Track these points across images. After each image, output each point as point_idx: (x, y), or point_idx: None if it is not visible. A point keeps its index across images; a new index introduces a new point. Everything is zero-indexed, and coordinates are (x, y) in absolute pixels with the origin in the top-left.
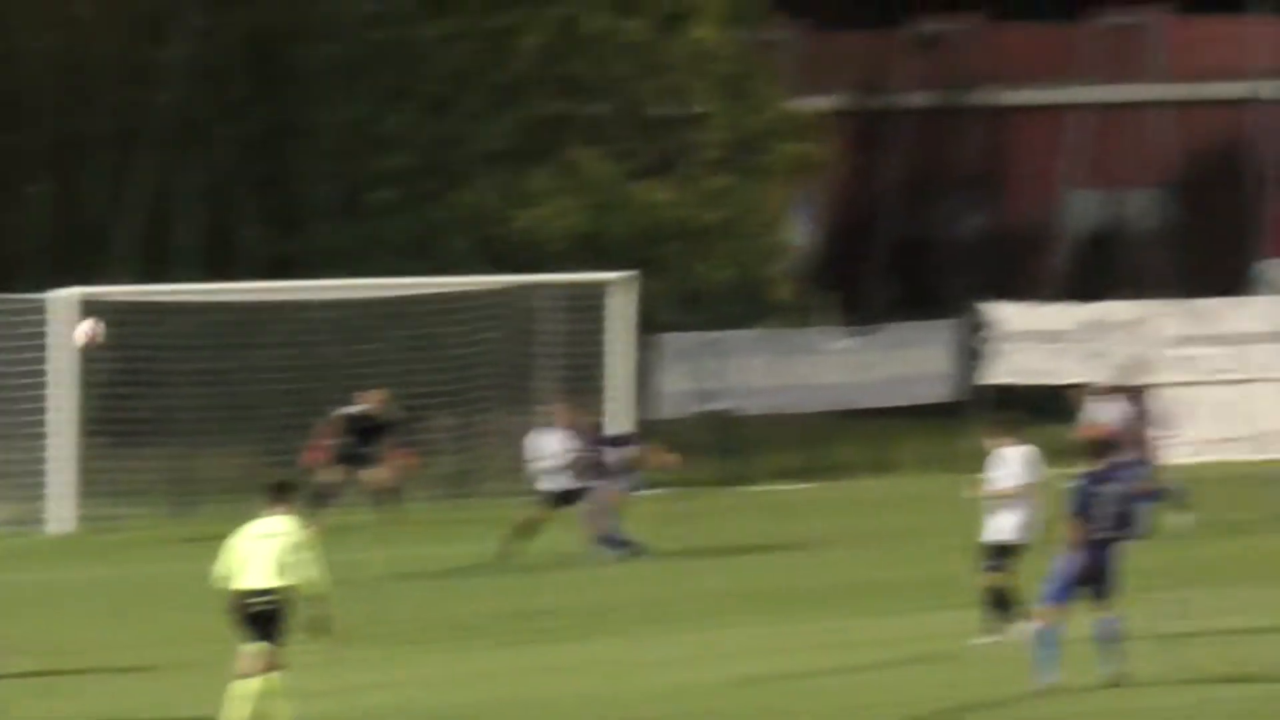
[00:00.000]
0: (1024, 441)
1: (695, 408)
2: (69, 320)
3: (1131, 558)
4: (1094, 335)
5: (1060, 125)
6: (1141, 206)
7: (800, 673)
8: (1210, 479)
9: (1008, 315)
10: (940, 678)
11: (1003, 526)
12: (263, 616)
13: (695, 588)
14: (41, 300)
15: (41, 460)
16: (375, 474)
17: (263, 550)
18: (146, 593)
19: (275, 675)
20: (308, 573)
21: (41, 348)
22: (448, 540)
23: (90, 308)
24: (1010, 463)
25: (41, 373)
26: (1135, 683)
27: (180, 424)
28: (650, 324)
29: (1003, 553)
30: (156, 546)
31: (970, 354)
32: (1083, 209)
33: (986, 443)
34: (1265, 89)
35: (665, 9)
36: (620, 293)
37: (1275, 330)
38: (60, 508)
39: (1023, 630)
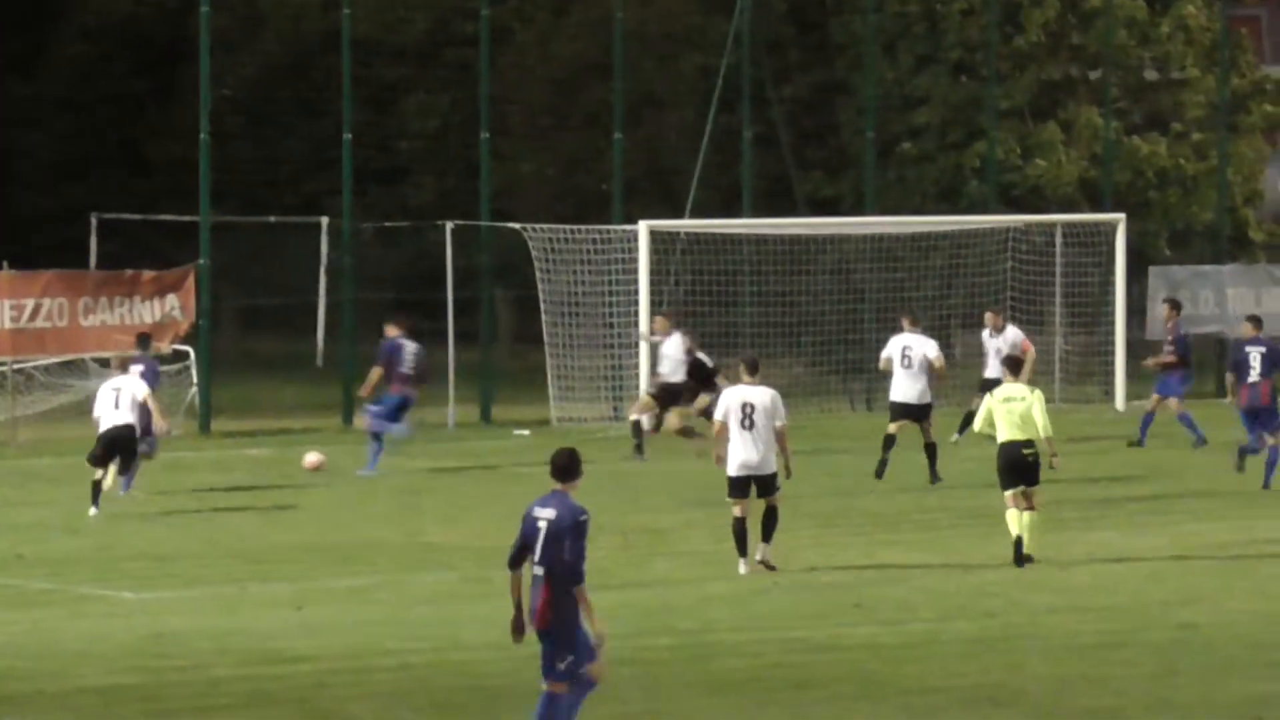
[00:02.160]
0: None
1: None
2: (647, 248)
3: None
4: None
5: None
6: None
7: None
8: None
9: None
10: None
11: None
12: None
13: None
14: (626, 231)
15: (628, 368)
16: None
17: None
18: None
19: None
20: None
21: (627, 271)
22: None
23: (664, 239)
24: None
25: (626, 293)
26: None
27: (743, 338)
28: (1143, 259)
29: None
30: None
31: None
32: None
33: None
34: None
35: None
36: (1117, 231)
37: None
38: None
39: None
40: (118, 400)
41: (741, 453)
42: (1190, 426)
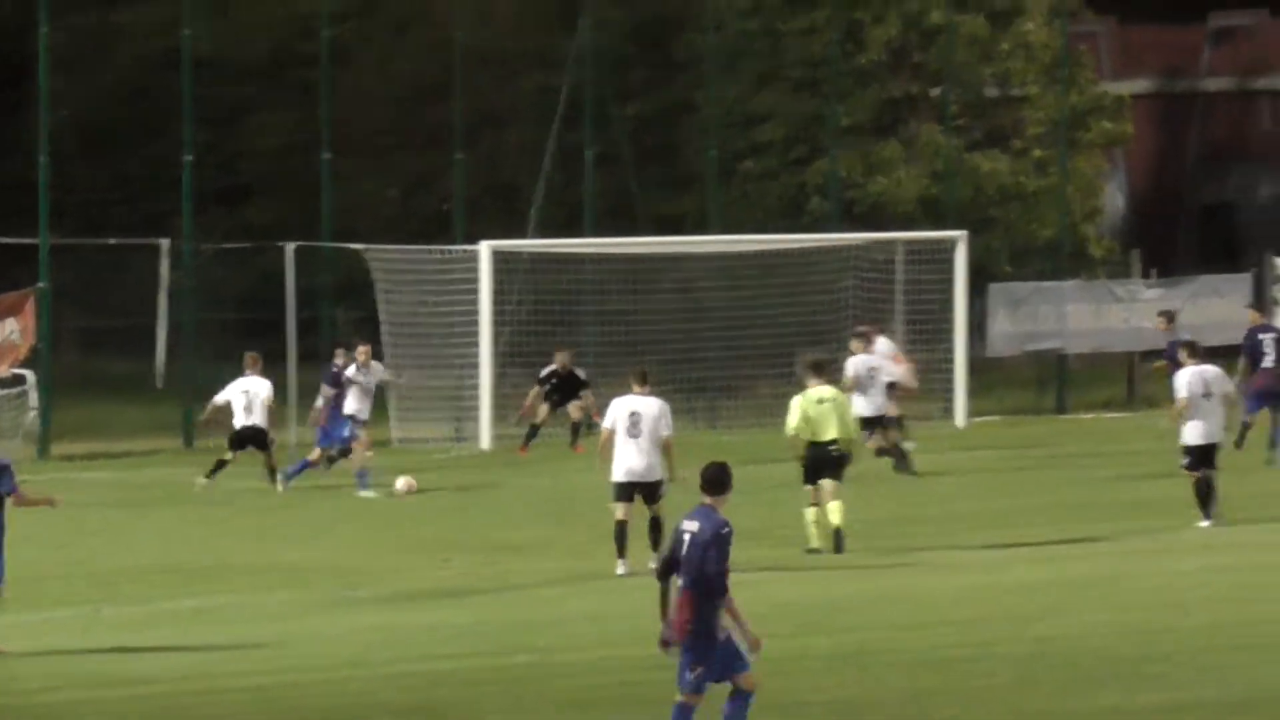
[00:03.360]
0: None
1: (1023, 348)
2: (488, 268)
3: None
4: None
5: None
6: None
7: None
8: None
9: None
10: None
11: None
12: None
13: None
14: (467, 251)
15: (471, 389)
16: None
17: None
18: (567, 500)
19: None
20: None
21: (469, 292)
22: None
23: (506, 259)
24: None
25: (467, 314)
26: None
27: (587, 358)
28: (985, 275)
29: None
30: (561, 461)
31: (1266, 302)
32: None
33: None
34: None
35: (997, 5)
36: (958, 248)
37: None
38: (481, 428)
39: None
40: None
41: (626, 459)
42: None
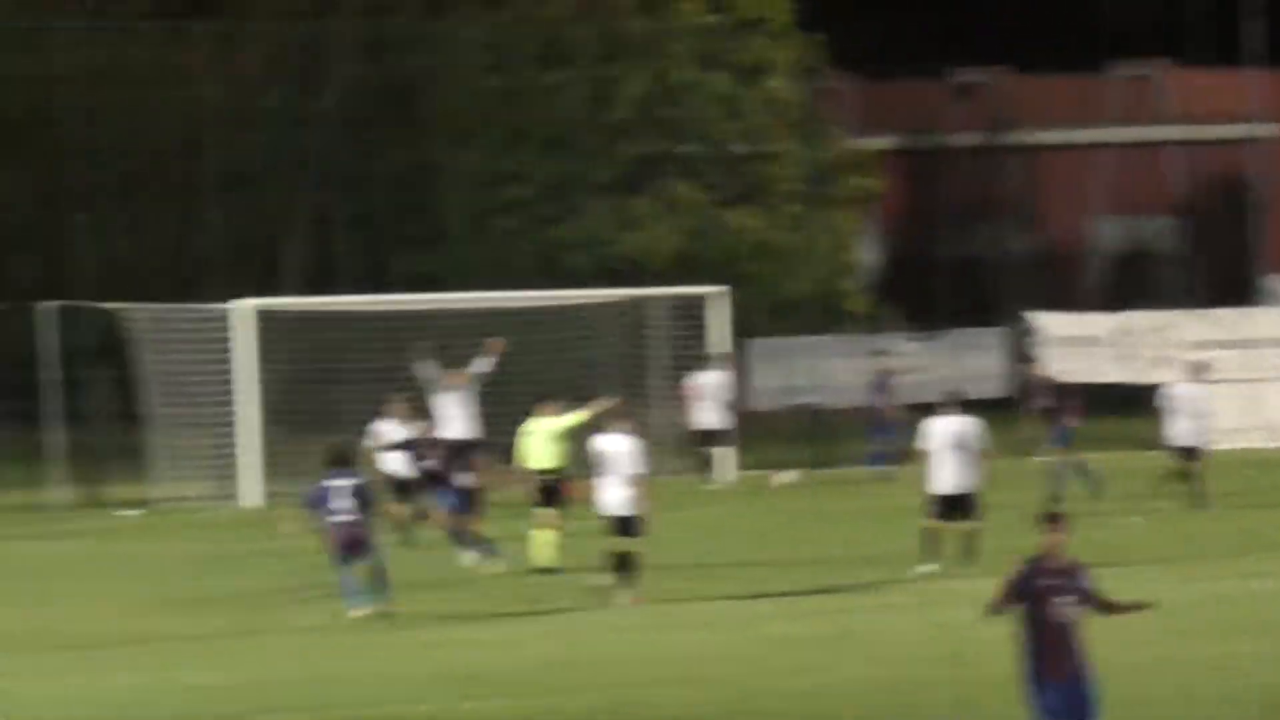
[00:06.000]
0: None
1: (783, 402)
2: (247, 327)
3: None
4: (1123, 340)
5: (1086, 161)
6: (1158, 230)
7: None
8: (1230, 463)
9: (1050, 323)
10: None
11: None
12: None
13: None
14: (224, 310)
15: (231, 446)
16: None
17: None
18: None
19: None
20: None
21: (224, 350)
22: None
23: (264, 317)
24: None
25: (225, 372)
26: None
27: (348, 416)
28: (742, 331)
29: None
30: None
31: (1019, 356)
32: (1110, 232)
33: None
34: (1260, 130)
35: (744, 63)
36: (716, 304)
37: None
38: (249, 486)
39: None
40: None
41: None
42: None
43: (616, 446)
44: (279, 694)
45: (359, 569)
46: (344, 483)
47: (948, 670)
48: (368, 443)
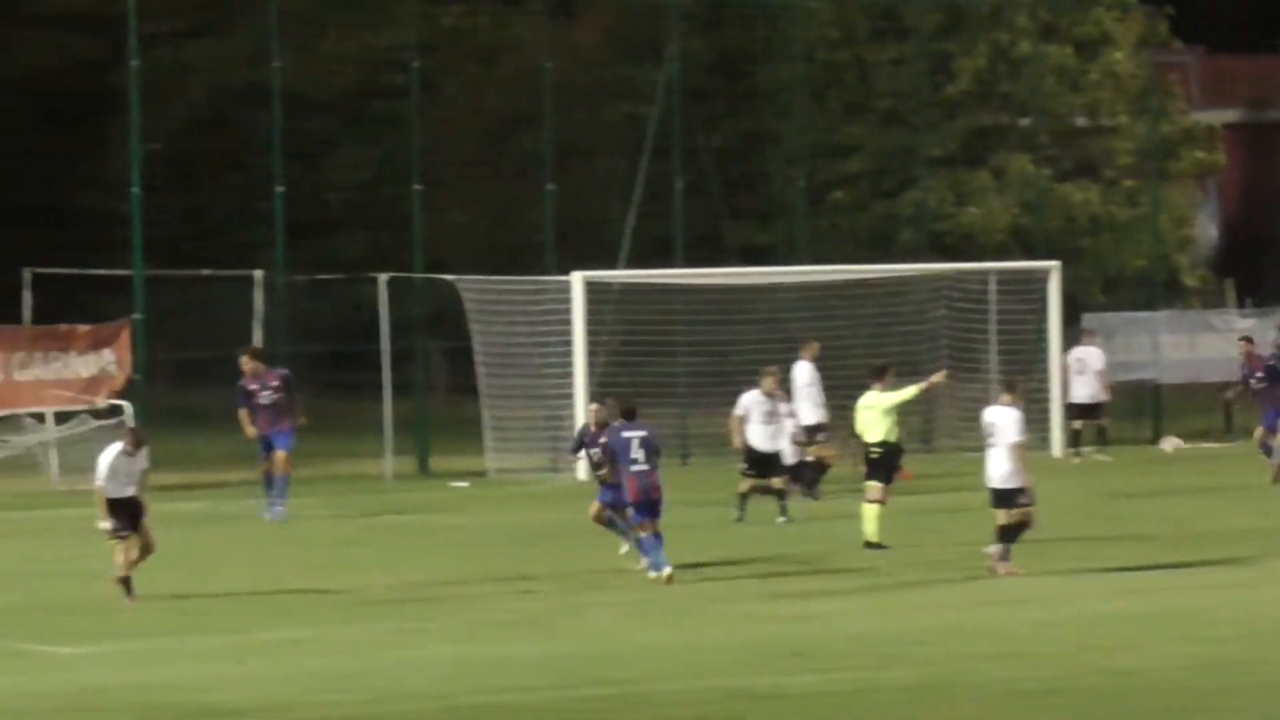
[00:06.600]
0: None
1: (1116, 377)
2: (579, 299)
3: None
4: None
5: None
6: None
7: None
8: None
9: None
10: None
11: None
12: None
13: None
14: (558, 281)
15: (562, 418)
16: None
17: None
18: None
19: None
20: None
21: (557, 322)
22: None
23: (595, 289)
24: None
25: (557, 344)
26: None
27: (676, 388)
28: (1076, 305)
29: None
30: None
31: None
32: None
33: None
34: None
35: (1086, 36)
36: (1051, 279)
37: None
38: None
39: None
40: None
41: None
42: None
43: (1001, 419)
44: (600, 667)
45: (650, 525)
46: (636, 434)
47: (1274, 648)
48: (738, 412)
